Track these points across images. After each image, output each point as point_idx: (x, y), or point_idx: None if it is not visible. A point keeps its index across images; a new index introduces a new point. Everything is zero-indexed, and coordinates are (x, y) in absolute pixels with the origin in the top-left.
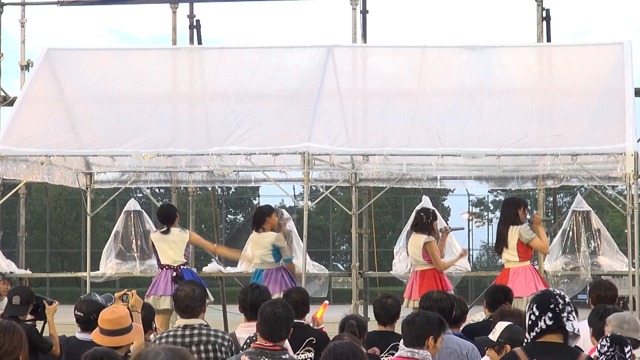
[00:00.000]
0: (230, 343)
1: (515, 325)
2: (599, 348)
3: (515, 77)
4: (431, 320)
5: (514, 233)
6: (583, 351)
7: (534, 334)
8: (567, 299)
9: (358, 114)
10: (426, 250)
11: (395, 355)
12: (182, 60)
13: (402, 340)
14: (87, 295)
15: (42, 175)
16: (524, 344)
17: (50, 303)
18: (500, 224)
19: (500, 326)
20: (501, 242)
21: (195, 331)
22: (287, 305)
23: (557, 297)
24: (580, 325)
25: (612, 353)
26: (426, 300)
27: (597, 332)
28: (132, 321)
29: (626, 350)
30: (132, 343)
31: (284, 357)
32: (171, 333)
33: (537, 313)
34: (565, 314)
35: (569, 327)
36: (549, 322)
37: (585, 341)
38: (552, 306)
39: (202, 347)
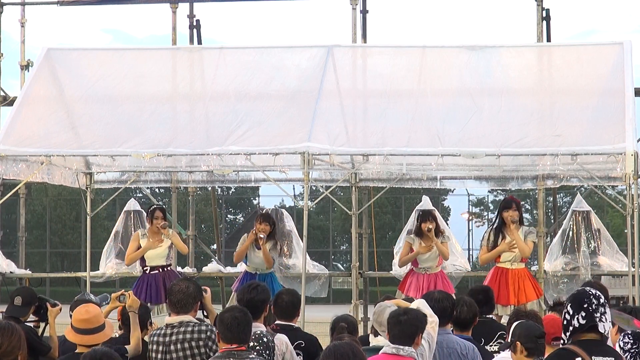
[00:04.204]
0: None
1: (526, 322)
2: (621, 345)
3: (515, 77)
4: (420, 316)
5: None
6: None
7: (569, 333)
8: (602, 300)
9: (358, 114)
10: None
11: (380, 352)
12: (182, 60)
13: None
14: (80, 295)
15: (42, 175)
16: (565, 343)
17: (53, 305)
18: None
19: (514, 326)
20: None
21: (175, 329)
22: (243, 309)
23: (591, 296)
24: None
25: (636, 349)
26: (427, 300)
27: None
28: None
29: None
30: (109, 338)
31: (250, 356)
32: (161, 332)
33: (570, 312)
34: (598, 314)
35: (600, 328)
36: (582, 321)
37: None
38: (585, 305)
39: (179, 346)
